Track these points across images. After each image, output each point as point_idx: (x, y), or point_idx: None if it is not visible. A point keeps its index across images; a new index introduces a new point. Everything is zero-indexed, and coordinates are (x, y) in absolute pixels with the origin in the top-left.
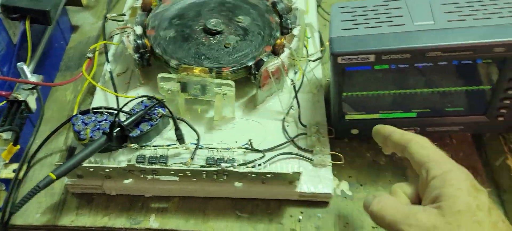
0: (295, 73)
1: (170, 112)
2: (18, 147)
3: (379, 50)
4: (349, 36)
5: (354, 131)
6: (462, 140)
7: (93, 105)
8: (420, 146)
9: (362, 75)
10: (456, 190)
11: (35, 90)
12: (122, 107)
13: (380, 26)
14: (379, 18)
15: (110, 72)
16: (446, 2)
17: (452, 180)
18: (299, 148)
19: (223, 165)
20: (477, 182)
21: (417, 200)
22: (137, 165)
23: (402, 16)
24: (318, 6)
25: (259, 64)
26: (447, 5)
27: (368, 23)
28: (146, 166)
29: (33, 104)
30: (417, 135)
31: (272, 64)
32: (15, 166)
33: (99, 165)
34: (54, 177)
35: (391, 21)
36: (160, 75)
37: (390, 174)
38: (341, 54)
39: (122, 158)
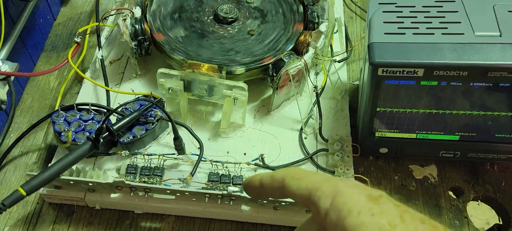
0: (317, 74)
1: (169, 118)
2: None
3: (431, 64)
4: (393, 43)
5: (383, 150)
6: (505, 167)
7: (79, 99)
8: (296, 179)
9: (403, 89)
10: (357, 217)
11: (6, 82)
12: (115, 109)
13: (433, 34)
14: (430, 22)
15: (101, 61)
16: None
17: (347, 204)
18: (318, 166)
19: (230, 189)
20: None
21: None
22: (127, 182)
23: (459, 22)
24: None
25: (278, 64)
26: None
27: (417, 28)
28: (137, 183)
29: (3, 97)
30: (287, 168)
31: (294, 66)
32: None
33: (80, 178)
34: (24, 193)
35: (446, 28)
36: (160, 70)
37: (421, 202)
38: (383, 65)
39: (110, 166)
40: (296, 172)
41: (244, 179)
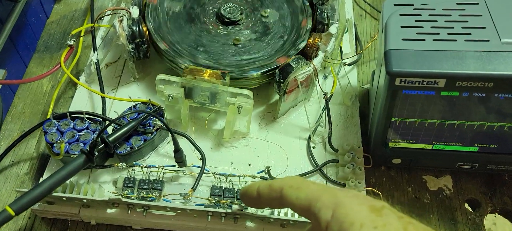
0: (325, 78)
1: (169, 130)
2: None
3: (454, 74)
4: (412, 51)
5: (396, 160)
6: None
7: (73, 105)
8: (295, 188)
9: (421, 100)
10: (359, 230)
11: None
12: (112, 121)
13: (455, 40)
14: (452, 28)
15: (97, 64)
16: None
17: (348, 216)
18: (327, 178)
19: (234, 207)
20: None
21: None
22: (124, 200)
23: (484, 28)
24: None
25: (286, 70)
26: None
27: (438, 33)
28: (135, 200)
29: None
30: (286, 178)
31: (303, 72)
32: None
33: (74, 195)
34: (13, 213)
35: (470, 33)
36: (159, 77)
37: (436, 215)
38: (401, 75)
39: (106, 178)
40: (295, 181)
41: (241, 192)
